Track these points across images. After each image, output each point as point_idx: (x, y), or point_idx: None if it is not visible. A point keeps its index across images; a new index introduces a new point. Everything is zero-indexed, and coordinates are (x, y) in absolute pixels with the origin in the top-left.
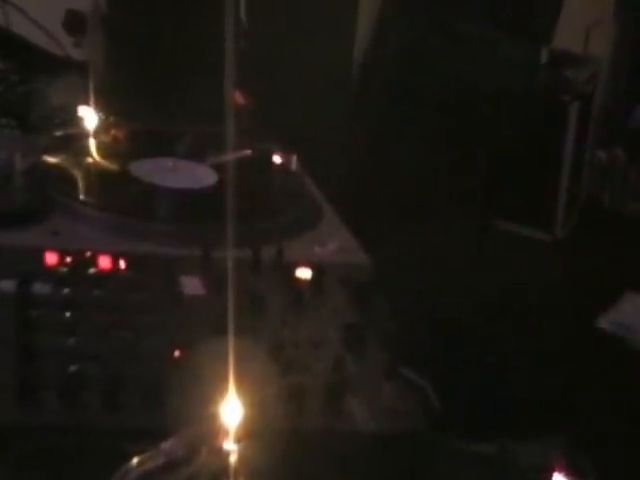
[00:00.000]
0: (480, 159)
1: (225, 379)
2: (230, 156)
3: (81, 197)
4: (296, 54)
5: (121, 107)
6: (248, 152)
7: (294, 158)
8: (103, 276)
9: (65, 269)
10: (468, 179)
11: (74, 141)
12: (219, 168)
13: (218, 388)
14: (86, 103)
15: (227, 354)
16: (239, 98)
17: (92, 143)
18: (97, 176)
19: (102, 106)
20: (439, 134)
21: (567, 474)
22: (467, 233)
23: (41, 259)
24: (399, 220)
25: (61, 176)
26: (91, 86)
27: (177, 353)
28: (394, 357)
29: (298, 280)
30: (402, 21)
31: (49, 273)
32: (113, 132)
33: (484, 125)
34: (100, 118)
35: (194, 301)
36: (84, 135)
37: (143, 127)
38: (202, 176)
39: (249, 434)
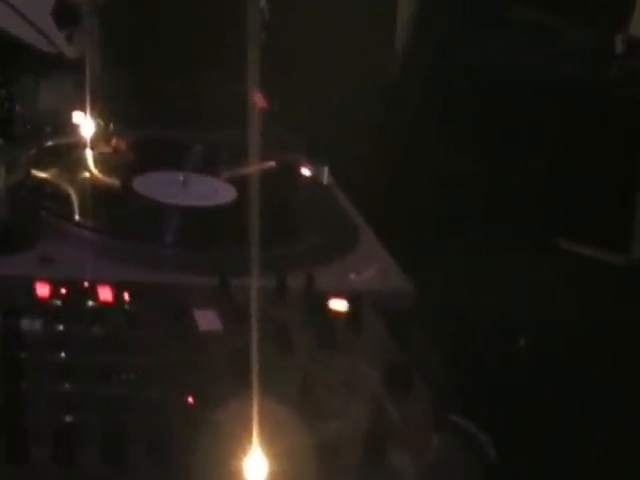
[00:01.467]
0: (537, 168)
1: (247, 429)
2: (250, 168)
3: (76, 218)
4: (324, 49)
5: (122, 112)
6: (271, 163)
7: (325, 170)
8: (103, 310)
9: (58, 302)
10: (523, 192)
11: (67, 153)
12: (237, 182)
13: (238, 440)
14: (81, 108)
15: (249, 399)
16: (259, 100)
17: (89, 155)
18: (95, 193)
19: (100, 111)
20: (487, 140)
21: None
22: (522, 256)
23: (30, 291)
24: (440, 240)
25: (52, 194)
26: (87, 88)
27: (189, 399)
28: (444, 402)
29: (331, 312)
30: (444, 8)
31: (39, 307)
32: (113, 142)
33: (542, 128)
34: (98, 125)
35: (209, 338)
36: (79, 145)
37: (148, 136)
38: (218, 192)
39: None
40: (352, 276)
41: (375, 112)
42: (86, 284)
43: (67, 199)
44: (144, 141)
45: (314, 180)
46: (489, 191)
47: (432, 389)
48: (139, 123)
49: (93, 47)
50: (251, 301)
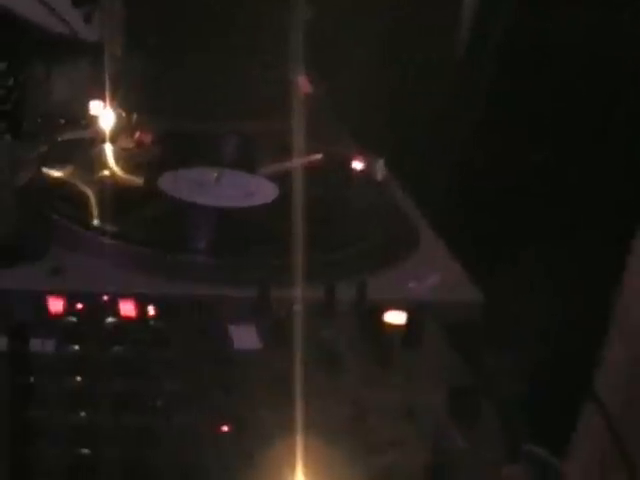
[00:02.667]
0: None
1: (289, 462)
2: (294, 162)
3: (94, 223)
4: (378, 28)
5: (146, 102)
6: (318, 156)
7: (380, 163)
8: (125, 327)
9: (73, 319)
10: (610, 189)
11: (84, 148)
12: (279, 179)
13: (279, 474)
14: (100, 97)
15: (291, 427)
16: (303, 84)
17: (108, 150)
18: (115, 194)
19: (121, 101)
20: (565, 133)
21: None
22: (609, 262)
23: (41, 306)
24: (517, 244)
25: (66, 195)
26: (106, 75)
27: (224, 428)
28: (515, 429)
29: (387, 326)
30: None
31: (51, 325)
32: (136, 135)
33: (630, 119)
34: (119, 117)
35: (247, 358)
36: (97, 140)
37: (176, 128)
38: (256, 190)
39: None
40: (411, 284)
41: (436, 99)
42: (105, 298)
43: (83, 201)
44: (171, 134)
45: (367, 175)
46: (571, 187)
47: (502, 414)
48: (165, 114)
49: (114, 28)
50: (294, 315)
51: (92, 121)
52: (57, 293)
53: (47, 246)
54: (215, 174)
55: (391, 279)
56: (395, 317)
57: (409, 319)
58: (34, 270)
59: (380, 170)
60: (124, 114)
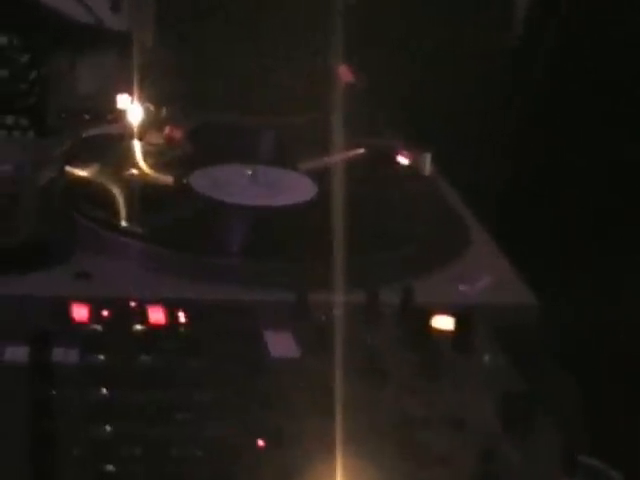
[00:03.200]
0: None
1: (330, 478)
2: (334, 158)
3: (121, 224)
4: (428, 13)
5: (177, 95)
6: (360, 151)
7: (427, 158)
8: (154, 335)
9: (99, 327)
10: None
11: (110, 145)
12: (318, 175)
13: None
14: (127, 91)
15: (332, 441)
16: (345, 74)
17: (136, 147)
18: (144, 194)
19: (150, 94)
20: (626, 128)
21: None
22: None
23: (64, 313)
24: (576, 244)
25: (92, 195)
26: (135, 66)
27: (260, 442)
28: (573, 440)
29: (435, 332)
30: None
31: (76, 333)
32: (166, 130)
33: None
34: (147, 111)
35: (284, 366)
36: (124, 136)
37: (208, 122)
38: (294, 188)
39: None
40: (461, 287)
41: (488, 92)
42: (133, 304)
43: (110, 201)
44: (203, 129)
45: (414, 170)
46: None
47: (559, 424)
48: (197, 108)
49: (144, 16)
50: (335, 320)
51: (119, 116)
52: (81, 299)
53: (71, 249)
54: (250, 171)
55: (439, 281)
56: (443, 322)
57: (458, 324)
58: (57, 275)
59: (427, 165)
60: (153, 108)
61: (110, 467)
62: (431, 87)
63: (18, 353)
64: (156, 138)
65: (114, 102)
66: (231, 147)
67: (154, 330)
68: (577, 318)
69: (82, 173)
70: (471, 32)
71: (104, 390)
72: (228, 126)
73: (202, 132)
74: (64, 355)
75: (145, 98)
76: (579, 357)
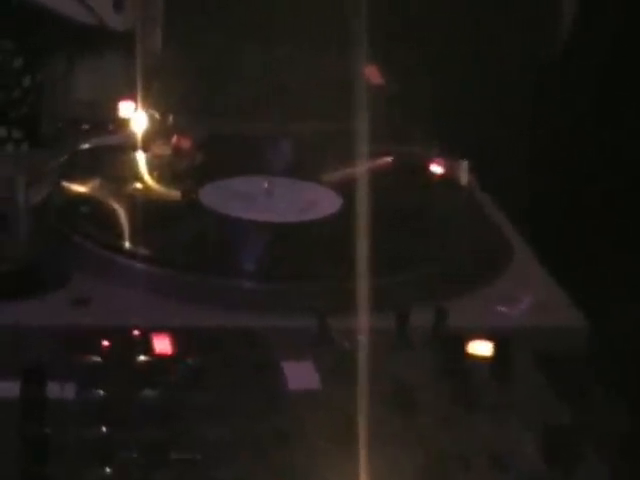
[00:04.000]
0: None
1: None
2: (360, 167)
3: (124, 244)
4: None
5: (186, 102)
6: (388, 160)
7: (464, 165)
8: (159, 367)
9: (98, 358)
10: None
11: (112, 157)
12: (342, 188)
13: None
14: (131, 97)
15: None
16: (372, 75)
17: (140, 158)
18: (149, 210)
19: (156, 101)
20: None
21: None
22: None
23: (60, 344)
24: (632, 261)
25: (92, 212)
26: (139, 70)
27: None
28: (624, 477)
29: (471, 359)
30: None
31: (72, 365)
32: (173, 140)
33: None
34: (152, 119)
35: (304, 400)
36: (128, 147)
37: (220, 131)
38: (316, 202)
39: None
40: (501, 308)
41: (529, 96)
42: (136, 332)
43: (112, 219)
44: (215, 138)
45: (448, 180)
46: None
47: (608, 460)
48: (207, 115)
49: (150, 16)
50: (360, 348)
51: (122, 125)
52: (79, 328)
53: (68, 273)
54: (266, 184)
55: (476, 302)
56: (480, 347)
57: (498, 349)
58: (52, 302)
59: (464, 174)
60: (159, 116)
61: None
62: (468, 91)
63: (9, 388)
64: (162, 149)
65: (116, 110)
66: (245, 158)
67: (159, 361)
68: (633, 343)
69: (80, 188)
70: (513, 38)
71: (104, 428)
72: (241, 135)
73: (213, 142)
74: (60, 390)
75: (150, 105)
76: (632, 386)
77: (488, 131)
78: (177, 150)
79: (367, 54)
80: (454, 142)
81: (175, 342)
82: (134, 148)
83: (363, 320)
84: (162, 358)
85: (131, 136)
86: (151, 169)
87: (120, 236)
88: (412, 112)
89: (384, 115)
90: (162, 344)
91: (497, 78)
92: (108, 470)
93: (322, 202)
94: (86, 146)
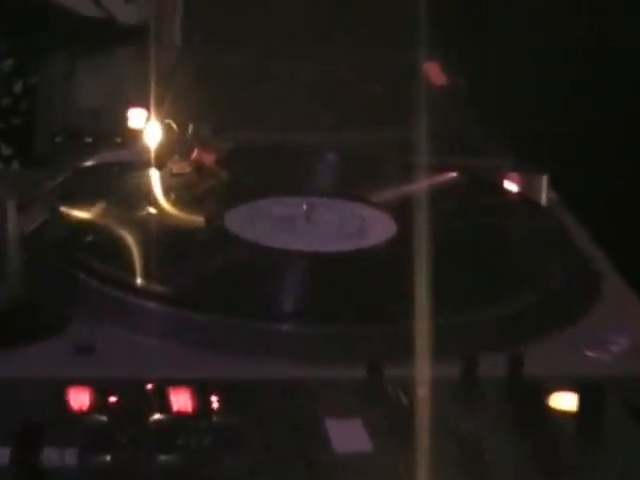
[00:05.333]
0: None
1: None
2: (420, 185)
3: (136, 281)
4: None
5: (208, 110)
6: (452, 175)
7: (543, 181)
8: (178, 427)
9: (104, 418)
10: None
11: (120, 176)
12: (398, 209)
13: None
14: (144, 105)
15: None
16: (434, 74)
17: (154, 177)
18: (165, 240)
19: (173, 108)
20: None
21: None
22: None
23: (59, 401)
24: None
25: (97, 243)
26: (153, 72)
27: None
28: None
29: (553, 413)
30: None
31: (74, 426)
32: (194, 155)
33: None
34: (169, 130)
35: (352, 464)
36: (139, 164)
37: (249, 144)
38: (366, 227)
39: None
40: (589, 353)
41: (623, 99)
42: (149, 386)
43: (119, 251)
44: (242, 152)
45: (525, 199)
46: None
47: None
48: (233, 125)
49: (167, 8)
50: (420, 403)
51: (132, 138)
52: (82, 381)
53: (68, 316)
54: (305, 206)
55: (559, 346)
56: (565, 400)
57: (584, 402)
58: (50, 349)
59: (543, 191)
60: (176, 127)
61: None
62: (547, 95)
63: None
64: (181, 166)
65: (125, 119)
66: (279, 175)
67: (179, 421)
68: None
69: (83, 214)
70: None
71: None
72: (275, 147)
73: (241, 156)
74: (59, 456)
75: (166, 113)
76: None
77: (571, 139)
78: (198, 167)
79: (427, 49)
80: (532, 153)
81: (197, 397)
82: (147, 165)
83: (423, 369)
84: (181, 417)
85: (143, 151)
86: (167, 190)
87: (130, 271)
88: (481, 117)
89: (447, 121)
90: (181, 400)
91: (583, 79)
92: None
93: (373, 227)
94: (89, 163)
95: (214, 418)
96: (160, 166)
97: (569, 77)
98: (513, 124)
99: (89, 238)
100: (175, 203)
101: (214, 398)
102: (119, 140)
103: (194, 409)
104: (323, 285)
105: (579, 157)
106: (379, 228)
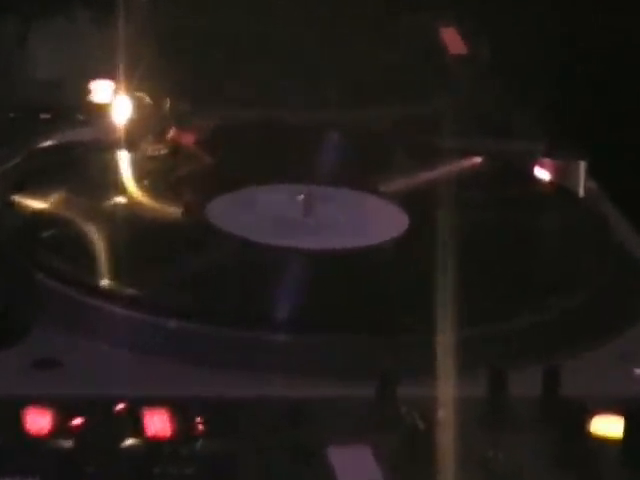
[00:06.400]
0: None
1: None
2: (437, 173)
3: (103, 283)
4: None
5: (189, 81)
6: (476, 161)
7: (582, 170)
8: (153, 454)
9: (69, 443)
10: None
11: (83, 159)
12: (409, 200)
13: None
14: (109, 74)
15: None
16: (454, 42)
17: (124, 161)
18: (138, 234)
19: (146, 80)
20: None
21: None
22: None
23: (16, 423)
24: None
25: (57, 238)
26: (121, 35)
27: None
28: None
29: (594, 439)
30: None
31: (34, 452)
32: (170, 134)
33: None
34: (142, 106)
35: None
36: (105, 144)
37: (235, 121)
38: (373, 221)
39: None
40: (636, 370)
41: None
42: (121, 406)
43: (84, 247)
44: (227, 131)
45: (561, 190)
46: None
47: None
48: (217, 100)
49: None
50: (440, 426)
51: (97, 113)
52: (42, 400)
53: (27, 324)
54: (302, 195)
55: (601, 361)
56: (607, 424)
57: (631, 427)
58: (5, 364)
59: (581, 181)
60: (149, 101)
61: None
62: (587, 67)
63: None
64: (155, 147)
65: (88, 92)
66: (272, 159)
67: (154, 446)
68: None
69: (40, 205)
70: None
71: None
72: (264, 126)
73: (225, 136)
74: None
75: (138, 86)
76: None
77: (615, 120)
78: (176, 148)
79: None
80: (567, 134)
81: (176, 419)
82: (115, 146)
83: (443, 387)
84: (158, 441)
85: (110, 129)
86: (139, 176)
87: (97, 271)
88: (508, 91)
89: (468, 97)
90: (158, 422)
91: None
92: None
93: (382, 221)
94: (47, 144)
95: (197, 444)
96: (131, 147)
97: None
98: (545, 100)
99: (48, 232)
100: (148, 191)
101: (197, 420)
102: (82, 117)
103: (173, 433)
104: (324, 289)
105: (625, 140)
106: (389, 222)
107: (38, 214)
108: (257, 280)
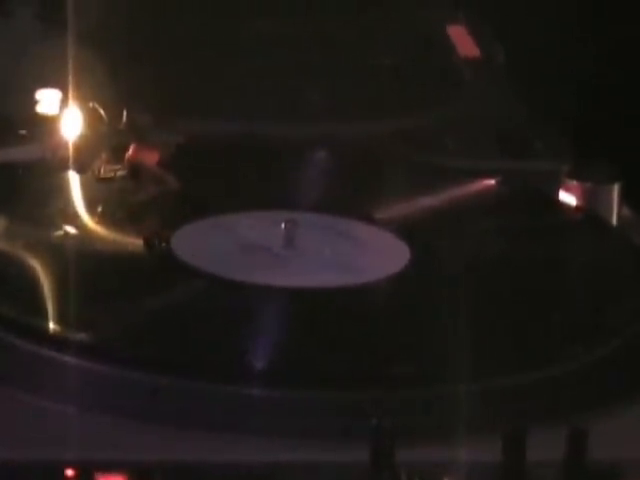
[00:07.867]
0: None
1: None
2: (443, 197)
3: (48, 326)
4: None
5: (150, 90)
6: (489, 184)
7: (614, 192)
8: None
9: None
10: None
11: (25, 182)
12: (411, 230)
13: None
14: (57, 82)
15: None
16: (463, 43)
17: (74, 184)
18: (90, 270)
19: (98, 88)
20: None
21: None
22: None
23: None
24: None
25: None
26: (71, 36)
27: None
28: None
29: None
30: None
31: None
32: (129, 153)
33: None
34: (94, 118)
35: None
36: (52, 164)
37: (206, 136)
38: (368, 253)
39: None
40: None
41: None
42: (70, 472)
43: (25, 284)
44: (195, 149)
45: (589, 216)
46: None
47: None
48: (183, 111)
49: None
50: None
51: (42, 127)
52: None
53: None
54: (284, 224)
55: (634, 420)
56: None
57: None
58: None
59: (615, 206)
60: (103, 113)
61: None
62: (619, 75)
63: None
64: (111, 168)
65: (33, 103)
66: (246, 181)
67: None
68: None
69: None
70: None
71: None
72: (239, 143)
73: (193, 155)
74: None
75: (90, 95)
76: None
77: None
78: (135, 169)
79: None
80: (597, 151)
81: None
82: (63, 166)
83: (452, 450)
84: None
85: (58, 146)
86: (92, 200)
87: (40, 312)
88: (526, 101)
89: (480, 107)
90: None
91: None
92: None
93: (378, 254)
94: None
95: None
96: (82, 167)
97: None
98: (570, 112)
99: None
100: (103, 219)
101: None
102: (24, 132)
103: None
104: (308, 333)
105: None
106: (386, 256)
107: None
108: (229, 323)
